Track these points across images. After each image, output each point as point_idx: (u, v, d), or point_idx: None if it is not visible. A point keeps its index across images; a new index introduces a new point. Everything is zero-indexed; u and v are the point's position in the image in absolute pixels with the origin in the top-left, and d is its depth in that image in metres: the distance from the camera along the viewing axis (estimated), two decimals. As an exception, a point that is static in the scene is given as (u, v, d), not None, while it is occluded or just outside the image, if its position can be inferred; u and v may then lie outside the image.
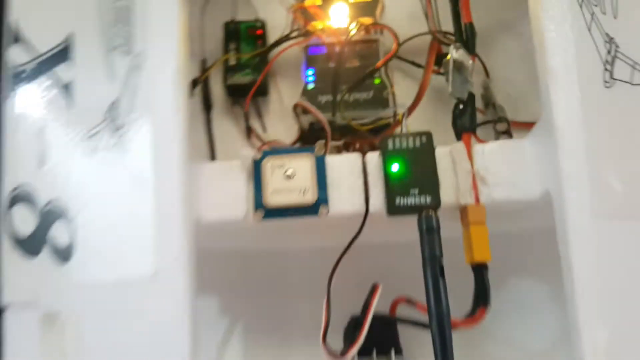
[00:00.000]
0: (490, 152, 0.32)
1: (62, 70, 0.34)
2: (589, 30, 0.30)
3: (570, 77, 0.30)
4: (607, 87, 0.30)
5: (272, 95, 0.42)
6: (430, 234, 0.30)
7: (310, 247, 0.36)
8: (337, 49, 0.38)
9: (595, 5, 0.31)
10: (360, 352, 0.34)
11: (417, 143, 0.32)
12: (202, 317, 0.32)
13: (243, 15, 0.43)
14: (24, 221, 0.33)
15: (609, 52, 0.30)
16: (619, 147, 0.29)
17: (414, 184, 0.31)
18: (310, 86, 0.38)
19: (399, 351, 0.34)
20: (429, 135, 0.32)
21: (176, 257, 0.29)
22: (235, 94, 0.42)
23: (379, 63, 0.37)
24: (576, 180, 0.29)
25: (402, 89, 0.39)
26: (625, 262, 0.28)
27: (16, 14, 0.37)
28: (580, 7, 0.30)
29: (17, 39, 0.36)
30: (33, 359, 0.32)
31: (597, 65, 0.30)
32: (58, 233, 0.33)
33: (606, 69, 0.30)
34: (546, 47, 0.30)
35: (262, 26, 0.42)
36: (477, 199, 0.31)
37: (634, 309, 0.27)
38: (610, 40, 0.31)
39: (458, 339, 0.30)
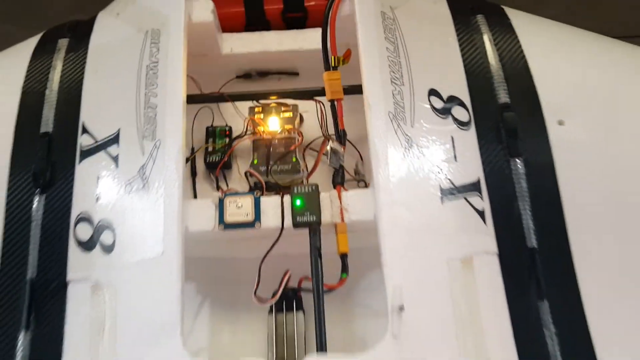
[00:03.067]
0: (350, 195, 0.58)
1: (113, 149, 0.60)
2: (396, 134, 0.58)
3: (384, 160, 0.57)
4: (405, 159, 0.57)
5: (233, 168, 0.69)
6: (314, 236, 0.56)
7: (250, 255, 0.60)
8: (271, 141, 0.66)
9: (401, 120, 0.59)
10: (277, 309, 0.57)
11: (310, 189, 0.58)
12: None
13: (217, 122, 0.71)
14: (84, 232, 0.57)
15: (405, 145, 0.58)
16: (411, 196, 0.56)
17: (307, 211, 0.57)
18: (255, 161, 0.65)
19: (300, 308, 0.58)
20: (316, 186, 0.58)
21: (175, 242, 0.53)
22: (210, 167, 0.68)
23: (292, 147, 0.65)
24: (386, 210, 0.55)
25: (310, 163, 0.67)
26: (411, 245, 0.53)
27: (84, 117, 0.63)
28: (392, 123, 0.58)
29: (84, 131, 0.62)
30: (85, 314, 0.54)
31: (400, 149, 0.57)
32: (105, 237, 0.56)
33: (406, 153, 0.58)
34: (374, 152, 0.57)
35: (229, 129, 0.70)
36: (342, 219, 0.57)
37: (419, 267, 0.52)
38: (408, 137, 0.58)
39: (332, 297, 0.54)
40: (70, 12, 0.79)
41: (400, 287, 0.51)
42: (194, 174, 0.68)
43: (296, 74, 0.75)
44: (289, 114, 0.69)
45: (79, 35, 0.70)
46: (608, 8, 0.95)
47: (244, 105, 0.70)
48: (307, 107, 0.71)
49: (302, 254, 0.57)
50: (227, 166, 0.69)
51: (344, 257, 0.56)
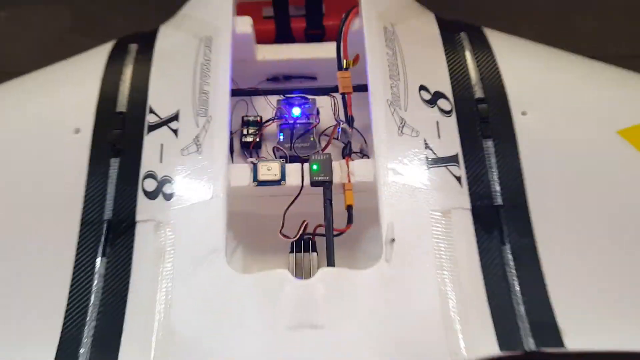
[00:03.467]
0: (355, 164, 0.74)
1: (173, 124, 0.77)
2: (392, 115, 0.75)
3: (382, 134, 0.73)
4: (399, 136, 0.74)
5: (262, 148, 0.86)
6: (327, 191, 0.72)
7: (275, 212, 0.76)
8: (294, 125, 0.83)
9: (397, 106, 0.76)
10: (297, 250, 0.73)
11: (325, 157, 0.75)
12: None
13: (251, 113, 0.88)
14: (150, 185, 0.74)
15: (400, 126, 0.75)
16: (403, 163, 0.72)
17: (322, 173, 0.73)
18: (281, 140, 0.82)
19: (314, 250, 0.73)
20: (329, 154, 0.75)
21: (221, 189, 0.69)
22: (245, 146, 0.85)
23: (311, 127, 0.82)
24: (382, 173, 0.71)
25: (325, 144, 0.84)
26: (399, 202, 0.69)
27: (150, 101, 0.81)
28: (389, 108, 0.75)
29: (151, 111, 0.80)
30: (149, 244, 0.70)
31: (395, 127, 0.74)
32: (166, 188, 0.73)
33: (400, 131, 0.74)
34: (375, 127, 0.74)
35: (260, 118, 0.87)
36: (349, 180, 0.73)
37: (407, 212, 0.68)
38: (402, 119, 0.75)
39: (339, 244, 0.70)
40: (128, 29, 0.98)
41: (392, 224, 0.67)
42: (231, 151, 0.85)
43: (314, 78, 0.93)
44: (308, 105, 0.86)
45: (146, 41, 0.89)
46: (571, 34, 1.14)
47: (273, 99, 0.88)
48: (322, 103, 0.88)
49: (317, 212, 0.73)
50: (258, 146, 0.86)
51: (349, 208, 0.72)
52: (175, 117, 0.78)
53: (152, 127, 0.79)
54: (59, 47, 1.00)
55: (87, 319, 0.67)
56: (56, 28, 1.21)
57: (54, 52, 0.98)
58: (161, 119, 0.79)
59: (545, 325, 0.65)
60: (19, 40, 1.22)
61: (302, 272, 0.72)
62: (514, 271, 0.69)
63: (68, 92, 0.86)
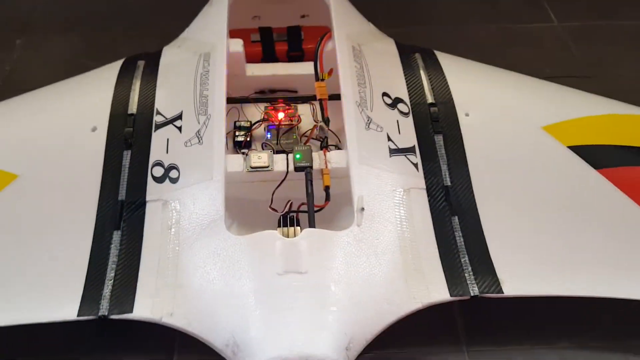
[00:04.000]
0: (331, 154, 0.90)
1: (177, 122, 0.92)
2: (360, 114, 0.91)
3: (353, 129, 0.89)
4: (367, 131, 0.90)
5: (252, 146, 1.00)
6: (308, 175, 0.86)
7: (264, 197, 0.90)
8: (279, 125, 0.98)
9: (364, 107, 0.92)
10: (283, 225, 0.87)
11: (306, 148, 0.90)
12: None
13: (242, 118, 1.04)
14: (158, 171, 0.88)
15: (367, 122, 0.91)
16: (370, 152, 0.88)
17: (304, 160, 0.88)
18: (268, 138, 0.97)
19: (298, 224, 0.87)
20: (310, 146, 0.90)
21: (219, 172, 0.83)
22: (237, 145, 1.00)
23: (294, 125, 0.98)
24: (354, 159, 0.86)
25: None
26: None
27: (157, 104, 0.96)
28: (358, 108, 0.92)
29: (157, 113, 0.95)
30: (158, 219, 0.83)
31: (362, 124, 0.90)
32: (172, 174, 0.87)
33: (367, 127, 0.91)
34: (347, 123, 0.90)
35: (250, 122, 1.03)
36: (326, 166, 0.88)
37: (375, 188, 0.83)
38: (369, 117, 0.91)
39: (319, 220, 0.84)
40: (134, 52, 1.14)
41: (362, 196, 0.82)
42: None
43: (295, 91, 1.10)
44: (290, 110, 1.02)
45: (152, 59, 1.04)
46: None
47: (261, 106, 1.04)
48: (303, 111, 1.04)
49: (300, 196, 0.87)
50: (248, 146, 1.01)
51: (327, 189, 0.86)
52: (179, 117, 0.93)
53: (159, 126, 0.93)
54: (72, 70, 1.14)
55: (105, 278, 0.79)
56: (69, 54, 1.37)
57: (68, 74, 1.13)
58: (167, 118, 0.93)
59: (487, 276, 0.79)
60: (34, 64, 1.37)
61: (288, 240, 0.86)
62: (460, 234, 0.84)
63: (85, 98, 1.02)
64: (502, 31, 1.48)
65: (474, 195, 0.88)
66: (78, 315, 0.75)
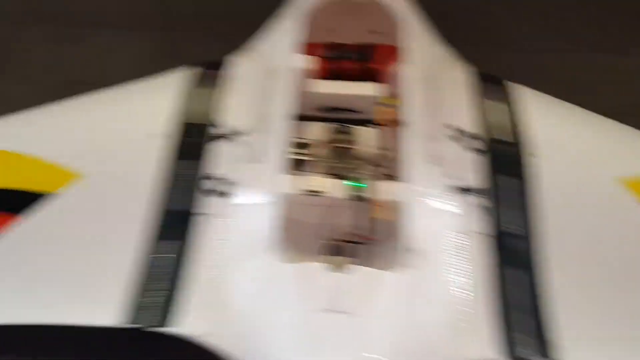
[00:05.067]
0: (387, 186, 0.85)
1: (234, 137, 0.90)
2: (424, 145, 0.85)
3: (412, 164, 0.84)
4: (429, 164, 0.84)
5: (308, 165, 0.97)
6: (362, 205, 0.82)
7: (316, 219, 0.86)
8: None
9: (432, 139, 0.86)
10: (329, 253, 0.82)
11: (362, 177, 0.85)
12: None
13: (300, 134, 1.00)
14: (207, 184, 0.85)
15: (431, 155, 0.85)
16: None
17: (359, 190, 0.84)
18: (325, 159, 0.93)
19: (345, 254, 0.82)
20: (367, 176, 0.85)
21: (276, 196, 0.80)
22: (293, 162, 0.96)
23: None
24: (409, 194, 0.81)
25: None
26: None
27: (215, 115, 0.94)
28: (422, 139, 0.86)
29: (215, 124, 0.92)
30: (207, 235, 0.80)
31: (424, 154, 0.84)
32: (222, 189, 0.84)
33: (431, 160, 0.85)
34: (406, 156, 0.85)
35: (308, 141, 0.99)
36: (381, 197, 0.83)
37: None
38: (433, 152, 0.86)
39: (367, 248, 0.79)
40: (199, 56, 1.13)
41: (414, 236, 0.76)
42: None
43: (359, 112, 1.05)
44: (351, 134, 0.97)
45: (214, 68, 1.03)
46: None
47: (321, 125, 0.99)
48: (363, 134, 0.99)
49: (346, 224, 0.83)
50: (303, 165, 0.97)
51: (379, 221, 0.81)
52: (236, 132, 0.90)
53: (215, 138, 0.91)
54: (138, 69, 1.15)
55: (148, 289, 0.76)
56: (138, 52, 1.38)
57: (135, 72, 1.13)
58: (224, 131, 0.91)
59: (541, 341, 0.72)
60: (103, 61, 1.39)
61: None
62: (521, 290, 0.76)
63: (144, 104, 1.01)
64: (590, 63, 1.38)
65: (542, 250, 0.80)
66: (114, 322, 0.74)
